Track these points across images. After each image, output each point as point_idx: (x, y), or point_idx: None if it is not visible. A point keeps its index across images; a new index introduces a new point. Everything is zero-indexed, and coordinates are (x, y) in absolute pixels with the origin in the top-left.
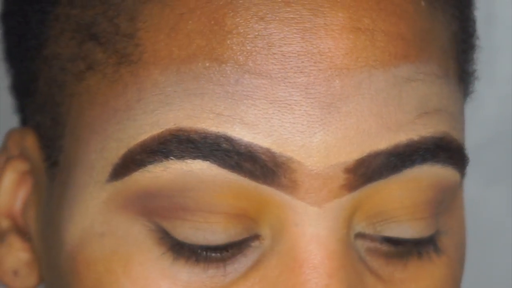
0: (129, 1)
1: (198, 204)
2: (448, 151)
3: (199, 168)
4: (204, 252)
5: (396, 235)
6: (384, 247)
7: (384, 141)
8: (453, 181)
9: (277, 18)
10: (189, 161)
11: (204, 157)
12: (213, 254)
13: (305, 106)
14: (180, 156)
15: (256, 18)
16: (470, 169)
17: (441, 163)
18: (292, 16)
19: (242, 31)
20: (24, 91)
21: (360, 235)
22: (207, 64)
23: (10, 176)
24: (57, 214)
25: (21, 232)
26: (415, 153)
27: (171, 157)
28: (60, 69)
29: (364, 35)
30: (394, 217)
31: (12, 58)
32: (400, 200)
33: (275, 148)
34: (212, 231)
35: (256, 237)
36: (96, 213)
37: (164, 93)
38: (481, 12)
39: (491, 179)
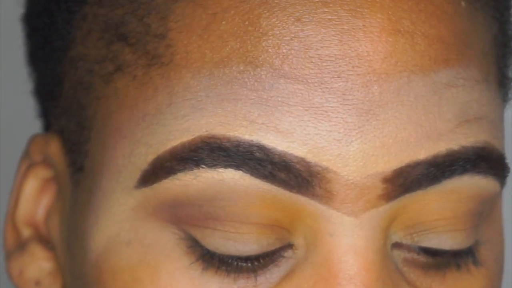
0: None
1: (229, 215)
2: (489, 161)
3: (231, 178)
4: (235, 262)
5: (435, 246)
6: (422, 258)
7: (423, 151)
8: (494, 192)
9: (314, 19)
10: (221, 169)
11: (237, 166)
12: (244, 264)
13: (342, 113)
14: (212, 165)
15: (292, 19)
16: None
17: (482, 174)
18: (330, 17)
19: (278, 32)
20: (48, 95)
21: (397, 245)
22: (242, 68)
23: (33, 183)
24: (82, 221)
25: (44, 240)
26: (455, 163)
27: (202, 166)
28: (86, 71)
29: (404, 38)
30: (433, 228)
31: (36, 60)
32: (440, 212)
33: (310, 158)
34: (243, 242)
35: (289, 246)
36: (123, 220)
37: (196, 98)
38: None
39: None
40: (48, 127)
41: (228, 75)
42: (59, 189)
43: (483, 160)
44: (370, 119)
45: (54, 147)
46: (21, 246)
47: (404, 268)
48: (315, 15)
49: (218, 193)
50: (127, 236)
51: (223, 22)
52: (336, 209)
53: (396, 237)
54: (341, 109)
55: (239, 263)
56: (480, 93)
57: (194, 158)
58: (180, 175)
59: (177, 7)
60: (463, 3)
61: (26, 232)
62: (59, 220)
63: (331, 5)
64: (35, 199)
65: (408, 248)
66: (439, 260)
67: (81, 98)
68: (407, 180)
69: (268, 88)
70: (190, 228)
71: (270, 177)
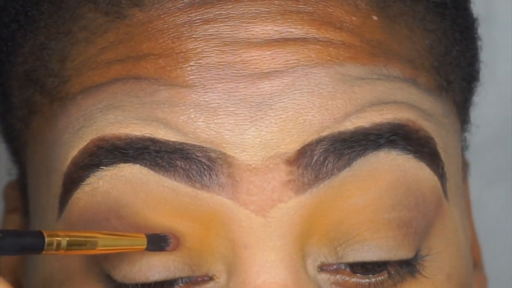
0: (60, 44)
1: (133, 228)
2: (408, 139)
3: (130, 172)
4: None
5: (361, 259)
6: (354, 279)
7: (328, 130)
8: (423, 178)
9: (193, 36)
10: (121, 165)
11: (134, 160)
12: None
13: (229, 107)
14: (111, 163)
15: (171, 38)
16: (470, 169)
17: (399, 149)
18: (210, 32)
19: (157, 52)
20: (7, 144)
21: (324, 266)
22: (125, 82)
23: None
24: (27, 267)
25: None
26: (365, 138)
27: (102, 167)
28: (16, 119)
29: (294, 42)
30: (356, 235)
31: None
32: (359, 209)
33: (206, 145)
34: (148, 265)
35: (210, 279)
36: (52, 259)
37: (87, 113)
38: (480, 11)
39: (491, 179)
40: None
41: (112, 89)
42: None
43: (401, 137)
44: (264, 109)
45: (18, 194)
46: None
47: None
48: (195, 32)
49: (121, 194)
50: (58, 276)
51: (109, 53)
52: (243, 205)
53: (322, 255)
54: (229, 104)
55: None
56: (407, 86)
57: (94, 162)
58: (87, 180)
59: (74, 48)
60: (375, 17)
61: (8, 279)
62: (24, 268)
63: (212, 22)
64: None
65: (337, 269)
66: (373, 280)
67: (17, 145)
68: (312, 160)
69: (150, 94)
70: (105, 263)
71: (169, 168)
